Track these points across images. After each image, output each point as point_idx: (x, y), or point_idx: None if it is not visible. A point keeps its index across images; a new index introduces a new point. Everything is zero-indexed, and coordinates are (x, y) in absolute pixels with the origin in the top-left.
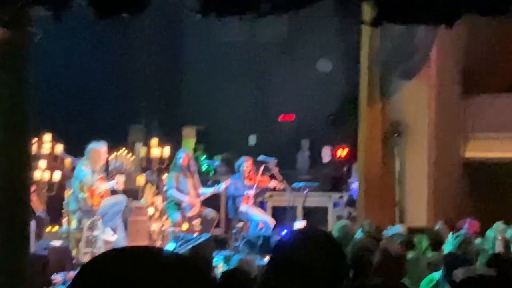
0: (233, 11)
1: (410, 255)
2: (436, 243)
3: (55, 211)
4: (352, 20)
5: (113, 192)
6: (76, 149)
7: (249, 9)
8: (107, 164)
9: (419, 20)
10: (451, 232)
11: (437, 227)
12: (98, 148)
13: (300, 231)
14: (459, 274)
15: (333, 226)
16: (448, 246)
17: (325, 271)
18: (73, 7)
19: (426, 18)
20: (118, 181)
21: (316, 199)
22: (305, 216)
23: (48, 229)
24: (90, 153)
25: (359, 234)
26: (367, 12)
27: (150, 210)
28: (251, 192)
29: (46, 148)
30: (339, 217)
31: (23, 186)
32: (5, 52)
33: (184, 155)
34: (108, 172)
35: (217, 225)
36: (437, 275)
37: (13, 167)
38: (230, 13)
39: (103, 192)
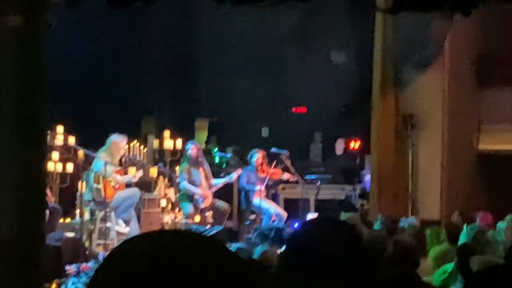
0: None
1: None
2: (453, 235)
3: (68, 202)
4: (366, 9)
5: (127, 184)
6: (88, 140)
7: None
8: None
9: (436, 8)
10: (465, 224)
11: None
12: (119, 141)
13: (315, 219)
14: (474, 263)
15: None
16: (462, 238)
17: (341, 259)
18: None
19: (443, 6)
20: (136, 176)
21: (328, 191)
22: (317, 209)
23: (60, 220)
24: (110, 145)
25: (377, 226)
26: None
27: (163, 202)
28: (264, 184)
29: (59, 139)
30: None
31: (39, 177)
32: (20, 40)
33: (193, 146)
34: (121, 164)
35: (230, 217)
36: (449, 267)
37: (28, 158)
38: (245, 1)
39: (118, 184)
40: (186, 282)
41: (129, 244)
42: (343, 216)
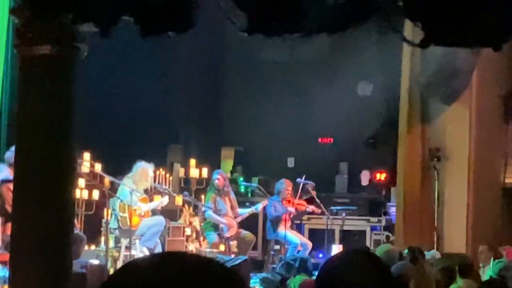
0: (279, 31)
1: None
2: (466, 268)
3: (93, 229)
4: (394, 41)
5: (152, 212)
6: (115, 168)
7: (295, 29)
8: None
9: (467, 42)
10: (492, 258)
11: (479, 250)
12: (147, 168)
13: (346, 251)
14: None
15: (376, 250)
16: (489, 272)
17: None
18: (120, 24)
19: (474, 40)
20: (163, 202)
21: (354, 223)
22: (342, 240)
23: (85, 247)
24: (137, 172)
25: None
26: (409, 33)
27: (188, 231)
28: (289, 214)
29: (86, 166)
30: (376, 241)
31: (67, 204)
32: (51, 69)
33: (219, 176)
34: (147, 192)
35: (254, 247)
36: None
37: (58, 184)
38: (276, 33)
39: (144, 212)
40: None
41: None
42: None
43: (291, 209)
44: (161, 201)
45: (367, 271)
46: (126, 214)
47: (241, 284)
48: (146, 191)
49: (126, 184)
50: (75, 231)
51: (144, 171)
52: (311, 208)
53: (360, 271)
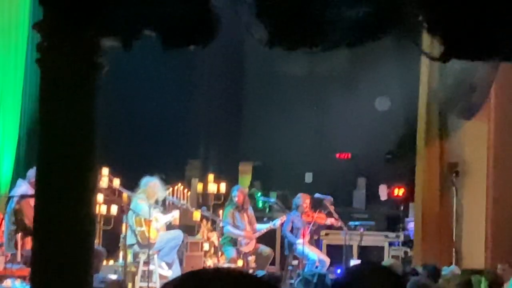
0: (299, 44)
1: None
2: (495, 285)
3: (111, 244)
4: (412, 55)
5: (170, 227)
6: (133, 183)
7: (315, 42)
8: (164, 199)
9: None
10: None
11: (498, 268)
12: (153, 182)
13: (359, 265)
14: None
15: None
16: None
17: None
18: (141, 38)
19: (494, 54)
20: (174, 216)
21: (372, 238)
22: (360, 255)
23: (104, 262)
24: (146, 187)
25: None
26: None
27: (206, 246)
28: (308, 229)
29: (104, 181)
30: (395, 257)
31: (89, 220)
32: (73, 85)
33: (238, 193)
34: (165, 207)
35: (272, 262)
36: None
37: (79, 200)
38: (296, 46)
39: (160, 226)
40: None
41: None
42: (385, 263)
43: (309, 224)
44: (172, 215)
45: (381, 284)
46: (144, 228)
47: None
48: (164, 206)
49: (141, 198)
50: (95, 247)
51: (151, 185)
52: (330, 221)
53: (374, 285)
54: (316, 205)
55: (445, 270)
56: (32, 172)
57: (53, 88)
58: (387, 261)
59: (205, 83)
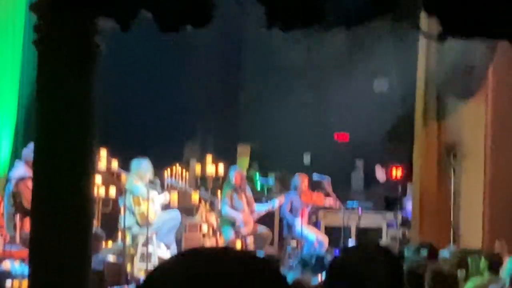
0: (297, 25)
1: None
2: (495, 264)
3: (110, 226)
4: (410, 37)
5: (168, 208)
6: (131, 164)
7: (313, 23)
8: (162, 180)
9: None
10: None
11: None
12: (144, 163)
13: (356, 246)
14: None
15: None
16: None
17: (383, 286)
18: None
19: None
20: (166, 197)
21: (370, 219)
22: (358, 236)
23: (103, 244)
24: (138, 168)
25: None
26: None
27: (204, 227)
28: (307, 209)
29: (102, 163)
30: (393, 238)
31: (87, 201)
32: (70, 65)
33: (235, 174)
34: (163, 188)
35: (271, 244)
36: None
37: (78, 181)
38: (294, 27)
39: (157, 208)
40: None
41: (171, 263)
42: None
43: (308, 204)
44: (164, 196)
45: (377, 266)
46: (143, 207)
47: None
48: (162, 188)
49: (136, 179)
50: (93, 229)
51: (142, 166)
52: (328, 202)
53: (371, 264)
54: (314, 186)
55: (444, 251)
56: (27, 151)
57: (50, 69)
58: (383, 242)
59: (203, 64)
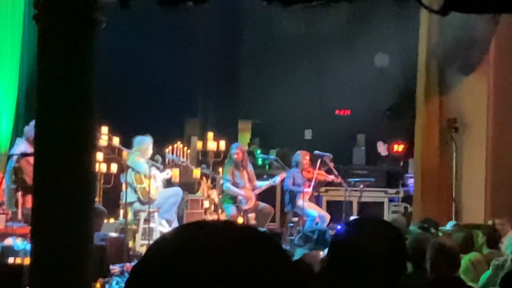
0: None
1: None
2: (493, 239)
3: (112, 203)
4: (411, 11)
5: (170, 184)
6: (132, 141)
7: None
8: (163, 157)
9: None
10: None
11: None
12: (147, 140)
13: (359, 220)
14: None
15: None
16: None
17: (385, 259)
18: None
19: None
20: (168, 173)
21: (371, 194)
22: (360, 211)
23: (105, 221)
24: (140, 145)
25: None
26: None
27: (206, 203)
28: (310, 185)
29: (104, 140)
30: (395, 213)
31: (89, 177)
32: (71, 41)
33: (237, 150)
34: (165, 165)
35: (272, 219)
36: None
37: (79, 157)
38: (295, 1)
39: (158, 184)
40: (232, 276)
41: (170, 236)
42: (390, 217)
43: (309, 180)
44: (166, 172)
45: (381, 238)
46: (145, 184)
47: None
48: (163, 164)
49: (139, 156)
50: (95, 205)
51: (144, 143)
52: (330, 177)
53: (373, 238)
54: (316, 162)
55: (447, 225)
56: (28, 129)
57: (51, 45)
58: (391, 216)
59: (204, 41)
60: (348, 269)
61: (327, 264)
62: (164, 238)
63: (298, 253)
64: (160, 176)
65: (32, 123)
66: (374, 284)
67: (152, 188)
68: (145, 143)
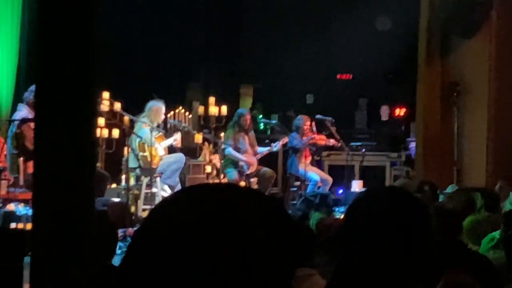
0: None
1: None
2: (492, 202)
3: (114, 168)
4: None
5: (172, 150)
6: (134, 106)
7: None
8: (165, 122)
9: None
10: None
11: (496, 186)
12: (158, 106)
13: (375, 187)
14: None
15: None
16: (509, 206)
17: (402, 225)
18: None
19: None
20: (176, 139)
21: (373, 158)
22: (362, 175)
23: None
24: (150, 110)
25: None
26: None
27: (208, 168)
28: (309, 150)
29: (105, 105)
30: (396, 177)
31: (90, 141)
32: (71, 6)
33: (247, 115)
34: (167, 130)
35: (274, 184)
36: (497, 234)
37: (79, 122)
38: None
39: (162, 154)
40: (236, 239)
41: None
42: (398, 182)
43: (311, 145)
44: (174, 138)
45: (397, 206)
46: (147, 153)
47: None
48: (166, 129)
49: (146, 123)
50: (97, 170)
51: (159, 109)
52: (331, 142)
53: (389, 207)
54: (318, 126)
55: (449, 189)
56: (28, 94)
57: (50, 11)
58: (400, 180)
59: (206, 6)
60: (363, 234)
61: (342, 232)
62: (166, 200)
63: (315, 217)
64: (166, 143)
65: (32, 87)
66: (386, 252)
67: (154, 158)
68: (153, 108)
